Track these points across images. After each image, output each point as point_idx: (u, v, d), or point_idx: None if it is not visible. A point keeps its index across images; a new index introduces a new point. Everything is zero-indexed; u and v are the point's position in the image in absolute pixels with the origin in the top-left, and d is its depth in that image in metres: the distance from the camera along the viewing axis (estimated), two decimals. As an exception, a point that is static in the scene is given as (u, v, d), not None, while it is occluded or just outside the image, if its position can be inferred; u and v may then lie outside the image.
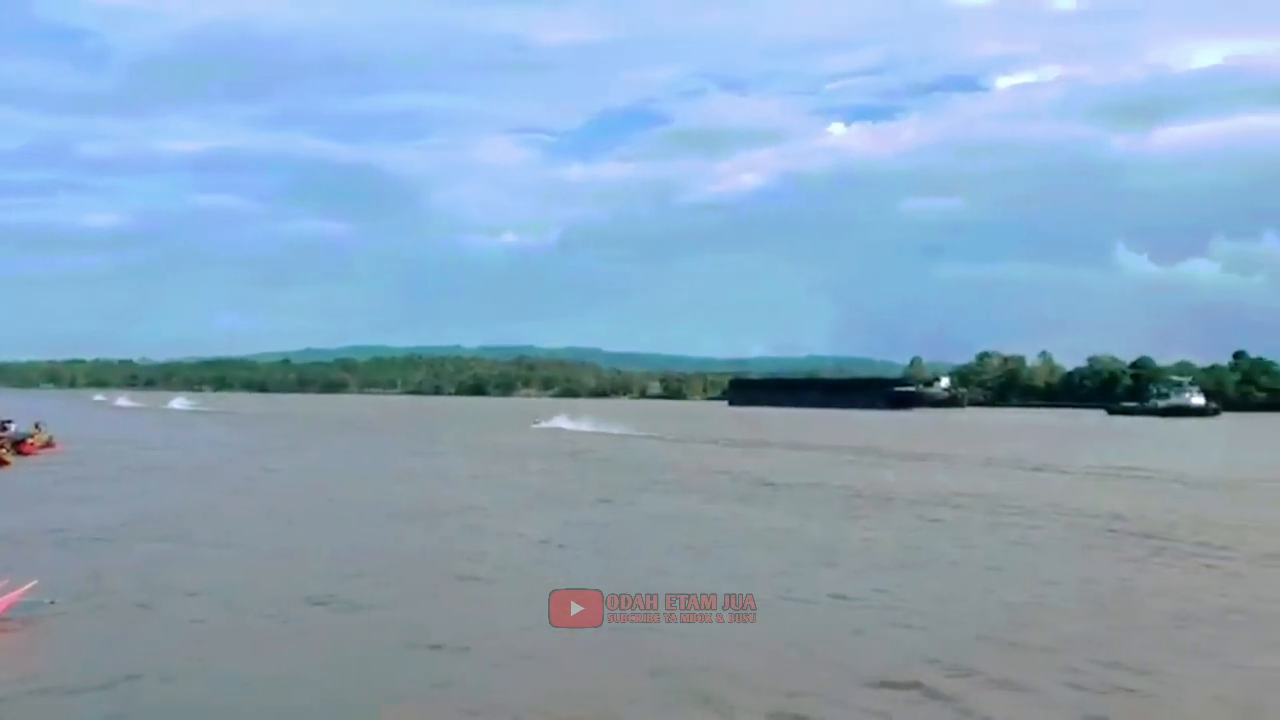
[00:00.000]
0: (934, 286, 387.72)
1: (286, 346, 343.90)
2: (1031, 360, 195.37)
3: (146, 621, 12.63)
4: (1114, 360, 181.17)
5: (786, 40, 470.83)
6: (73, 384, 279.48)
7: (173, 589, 14.42)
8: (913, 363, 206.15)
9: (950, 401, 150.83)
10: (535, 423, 71.68)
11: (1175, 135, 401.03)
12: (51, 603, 12.79)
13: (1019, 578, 15.98)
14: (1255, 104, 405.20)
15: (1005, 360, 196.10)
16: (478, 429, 70.18)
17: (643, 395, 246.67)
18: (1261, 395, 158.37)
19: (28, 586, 12.63)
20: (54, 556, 16.70)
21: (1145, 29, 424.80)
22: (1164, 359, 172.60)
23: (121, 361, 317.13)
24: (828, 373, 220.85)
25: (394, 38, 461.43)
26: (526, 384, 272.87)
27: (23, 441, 38.79)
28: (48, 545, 17.96)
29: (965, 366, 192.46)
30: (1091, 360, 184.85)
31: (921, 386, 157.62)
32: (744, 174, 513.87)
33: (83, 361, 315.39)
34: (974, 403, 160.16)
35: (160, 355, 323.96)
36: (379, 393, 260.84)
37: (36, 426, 42.14)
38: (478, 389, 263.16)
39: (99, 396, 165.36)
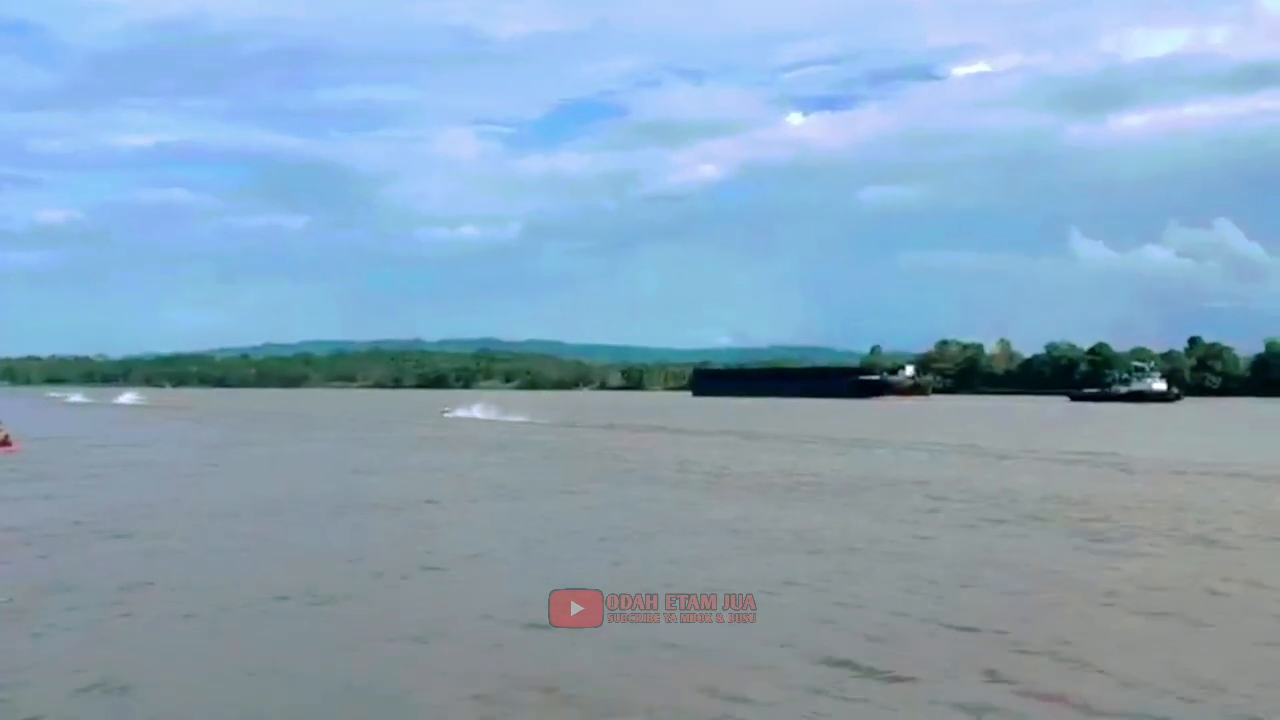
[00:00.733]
0: (893, 275, 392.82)
1: (246, 342, 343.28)
2: (990, 348, 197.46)
3: (107, 619, 12.35)
4: (1072, 347, 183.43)
5: (743, 30, 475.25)
6: (28, 381, 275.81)
7: (134, 585, 14.14)
8: (873, 351, 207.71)
9: (915, 389, 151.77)
10: (444, 412, 78.05)
11: (1129, 123, 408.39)
12: (8, 601, 12.60)
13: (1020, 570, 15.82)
14: (1208, 91, 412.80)
15: (964, 348, 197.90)
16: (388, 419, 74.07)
17: (604, 386, 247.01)
18: (1216, 380, 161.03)
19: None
20: (10, 554, 16.38)
21: (1099, 18, 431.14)
22: (1121, 345, 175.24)
23: (78, 358, 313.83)
24: (790, 362, 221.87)
25: (349, 30, 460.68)
26: (488, 376, 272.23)
27: (-22, 441, 38.14)
28: (3, 543, 17.61)
29: (925, 354, 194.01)
30: (1050, 347, 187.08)
31: (886, 375, 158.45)
32: (703, 164, 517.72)
33: (38, 358, 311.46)
34: (936, 390, 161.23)
35: (118, 352, 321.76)
36: (339, 387, 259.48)
37: (-8, 425, 41.43)
38: (439, 382, 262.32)
39: (54, 393, 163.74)
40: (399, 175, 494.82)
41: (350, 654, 11.07)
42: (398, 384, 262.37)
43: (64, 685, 9.91)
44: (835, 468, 32.82)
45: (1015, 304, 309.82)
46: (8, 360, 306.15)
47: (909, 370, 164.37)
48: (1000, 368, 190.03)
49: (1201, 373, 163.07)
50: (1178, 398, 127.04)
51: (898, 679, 10.06)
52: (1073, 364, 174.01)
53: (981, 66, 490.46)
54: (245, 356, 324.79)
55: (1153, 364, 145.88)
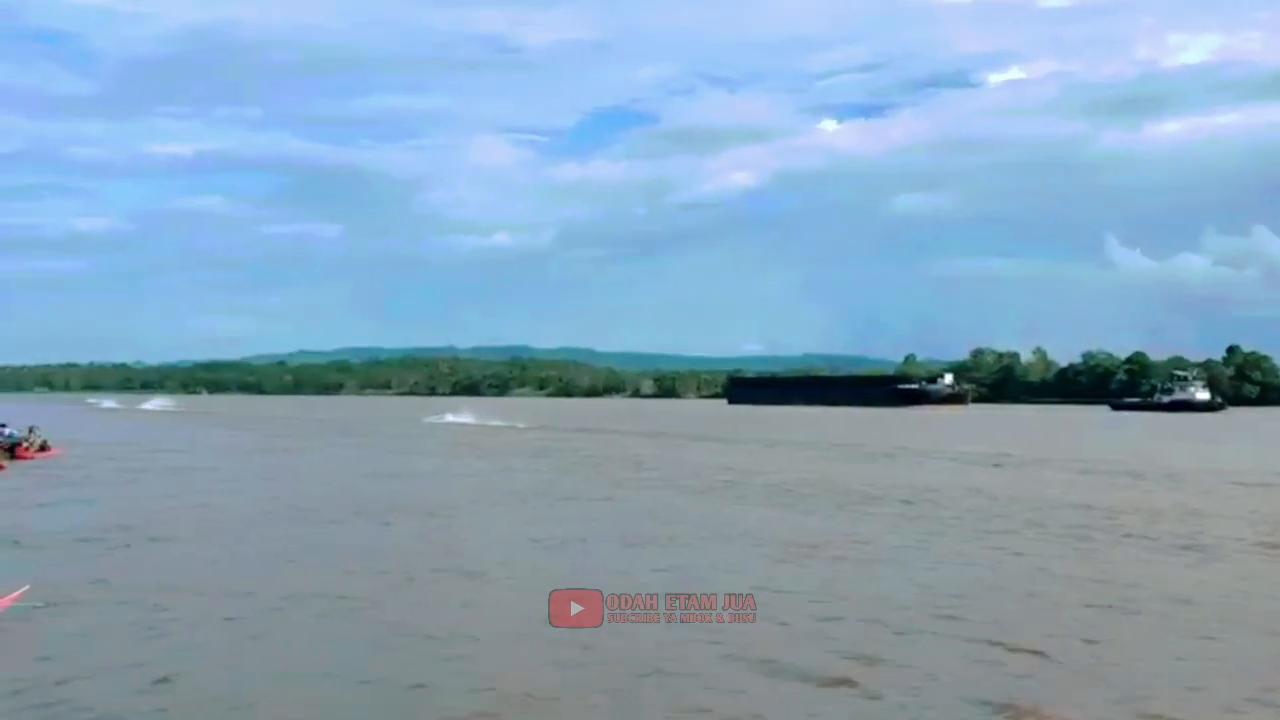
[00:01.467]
0: (926, 283, 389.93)
1: (281, 349, 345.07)
2: (1026, 357, 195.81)
3: (142, 623, 12.50)
4: (1109, 356, 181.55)
5: (776, 38, 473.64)
6: (67, 388, 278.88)
7: (174, 588, 14.32)
8: (907, 359, 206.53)
9: (954, 398, 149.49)
10: (430, 417, 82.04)
11: (1165, 130, 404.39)
12: (45, 606, 12.66)
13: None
14: (1244, 98, 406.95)
15: (1000, 356, 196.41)
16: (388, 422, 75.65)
17: (636, 394, 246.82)
18: (1254, 390, 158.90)
19: (20, 592, 12.50)
20: (48, 560, 16.56)
21: (1134, 24, 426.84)
22: (1158, 354, 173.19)
23: (116, 365, 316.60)
24: (822, 370, 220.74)
25: (381, 39, 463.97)
26: (521, 384, 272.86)
27: (17, 445, 38.57)
28: (41, 549, 17.82)
29: (959, 363, 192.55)
30: (1086, 356, 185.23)
31: (925, 383, 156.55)
32: (735, 172, 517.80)
33: (77, 366, 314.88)
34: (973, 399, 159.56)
35: (155, 359, 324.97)
36: (374, 394, 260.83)
37: (31, 430, 41.90)
38: (472, 389, 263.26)
39: (91, 400, 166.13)
40: (432, 183, 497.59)
41: (383, 654, 11.19)
42: (432, 391, 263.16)
43: (113, 685, 10.03)
44: (893, 477, 32.39)
45: (1049, 312, 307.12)
46: (46, 367, 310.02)
47: (948, 379, 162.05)
48: (1036, 377, 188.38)
49: (1239, 381, 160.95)
50: (1221, 407, 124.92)
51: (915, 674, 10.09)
52: (1109, 373, 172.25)
53: (1015, 73, 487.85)
54: (281, 363, 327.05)
55: (1194, 373, 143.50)
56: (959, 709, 9.40)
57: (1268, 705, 9.50)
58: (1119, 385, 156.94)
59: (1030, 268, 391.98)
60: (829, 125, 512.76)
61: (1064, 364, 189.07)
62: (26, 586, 12.71)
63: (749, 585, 13.67)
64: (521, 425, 68.70)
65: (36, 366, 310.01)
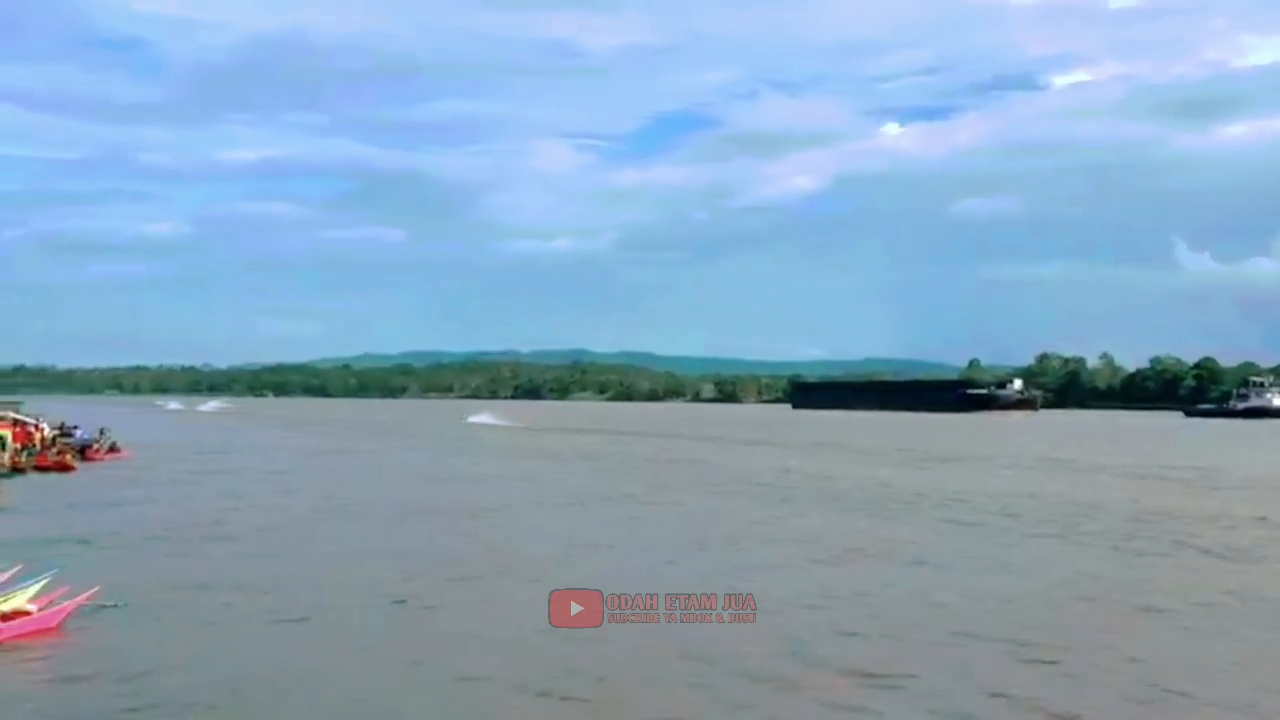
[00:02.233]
0: (988, 287, 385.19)
1: (345, 352, 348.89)
2: (1092, 362, 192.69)
3: (211, 623, 12.80)
4: (1177, 361, 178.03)
5: (838, 41, 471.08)
6: (136, 391, 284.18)
7: (241, 586, 14.69)
8: (971, 364, 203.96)
9: (1024, 404, 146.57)
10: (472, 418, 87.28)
11: (1235, 133, 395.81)
12: (116, 606, 13.01)
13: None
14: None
15: (1066, 361, 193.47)
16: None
17: (696, 398, 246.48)
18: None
19: (92, 591, 12.81)
20: (117, 560, 16.99)
21: (1204, 26, 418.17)
22: (1228, 359, 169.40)
23: (184, 368, 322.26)
24: (885, 375, 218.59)
25: (445, 45, 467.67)
26: (581, 388, 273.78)
27: (88, 447, 39.50)
28: (112, 548, 18.29)
29: (1025, 368, 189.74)
30: (1154, 361, 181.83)
31: (994, 388, 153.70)
32: (797, 176, 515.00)
33: (146, 368, 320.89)
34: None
35: (222, 361, 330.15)
36: (437, 397, 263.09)
37: (101, 432, 42.90)
38: (533, 393, 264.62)
39: (159, 402, 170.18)
40: (494, 187, 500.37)
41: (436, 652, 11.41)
42: (494, 395, 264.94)
43: (183, 681, 10.35)
44: (980, 484, 32.06)
45: (1115, 317, 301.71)
46: (116, 370, 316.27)
47: (1017, 384, 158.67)
48: (1102, 382, 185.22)
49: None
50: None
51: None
52: (1177, 379, 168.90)
53: (1081, 75, 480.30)
54: (346, 366, 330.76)
55: (1270, 379, 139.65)
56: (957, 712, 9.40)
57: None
58: (1187, 391, 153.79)
59: (1096, 272, 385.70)
60: (891, 128, 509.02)
61: (1130, 369, 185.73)
62: (99, 586, 13.05)
63: (794, 592, 13.71)
64: (580, 428, 69.75)
65: (107, 369, 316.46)
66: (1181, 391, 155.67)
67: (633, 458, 43.86)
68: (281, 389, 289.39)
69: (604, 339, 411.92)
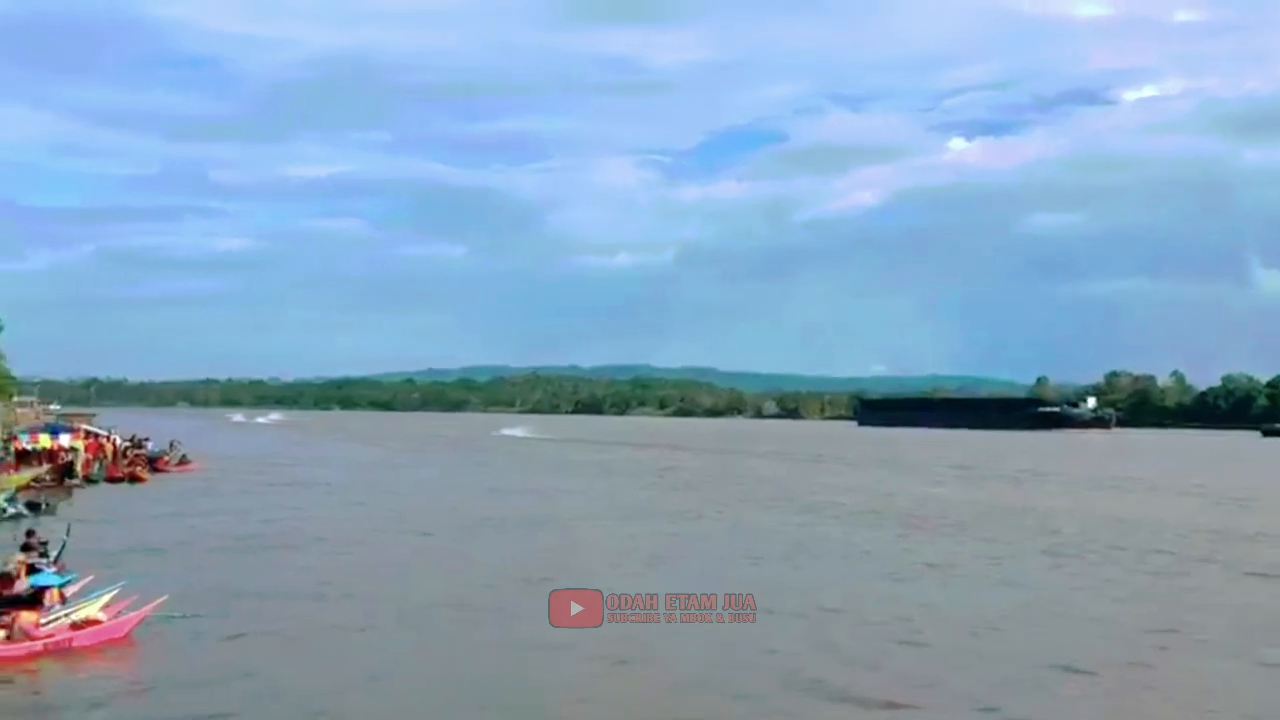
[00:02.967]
0: (1055, 304, 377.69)
1: (409, 367, 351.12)
2: (1162, 380, 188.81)
3: (276, 632, 13.11)
4: (1249, 380, 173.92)
5: (903, 56, 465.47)
6: (206, 404, 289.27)
7: (312, 595, 15.05)
8: (1039, 382, 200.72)
9: (1098, 422, 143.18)
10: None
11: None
12: (184, 616, 13.35)
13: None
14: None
15: (1135, 379, 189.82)
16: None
17: (759, 415, 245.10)
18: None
19: (159, 601, 13.18)
20: (186, 570, 17.39)
21: (1270, 40, 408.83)
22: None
23: (253, 381, 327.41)
24: (949, 391, 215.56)
25: (510, 63, 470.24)
26: (642, 403, 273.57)
27: (158, 459, 40.36)
28: (179, 558, 18.72)
29: (1093, 386, 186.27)
30: (1226, 379, 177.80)
31: (1067, 406, 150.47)
32: (861, 191, 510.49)
33: (216, 382, 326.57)
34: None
35: (290, 375, 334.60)
36: (499, 411, 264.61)
37: (171, 445, 43.83)
38: (594, 408, 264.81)
39: (228, 415, 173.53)
40: (557, 204, 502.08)
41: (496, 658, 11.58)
42: (555, 410, 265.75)
43: (252, 689, 10.68)
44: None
45: (1186, 335, 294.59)
46: (187, 384, 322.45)
47: (1091, 402, 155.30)
48: (1173, 401, 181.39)
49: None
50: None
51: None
52: (1249, 397, 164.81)
53: (1150, 90, 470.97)
54: (409, 381, 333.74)
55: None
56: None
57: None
58: (1260, 410, 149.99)
59: (1166, 289, 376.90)
60: (957, 143, 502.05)
61: (1202, 388, 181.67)
62: (166, 596, 13.40)
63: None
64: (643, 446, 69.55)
65: (179, 382, 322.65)
66: (1254, 411, 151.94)
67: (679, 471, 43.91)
68: (347, 403, 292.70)
69: (666, 354, 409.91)
